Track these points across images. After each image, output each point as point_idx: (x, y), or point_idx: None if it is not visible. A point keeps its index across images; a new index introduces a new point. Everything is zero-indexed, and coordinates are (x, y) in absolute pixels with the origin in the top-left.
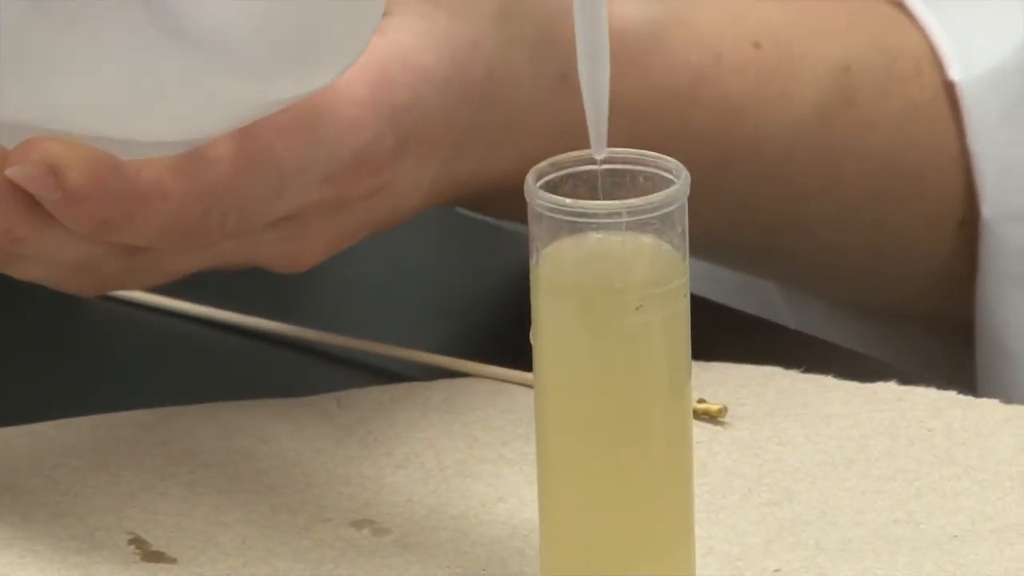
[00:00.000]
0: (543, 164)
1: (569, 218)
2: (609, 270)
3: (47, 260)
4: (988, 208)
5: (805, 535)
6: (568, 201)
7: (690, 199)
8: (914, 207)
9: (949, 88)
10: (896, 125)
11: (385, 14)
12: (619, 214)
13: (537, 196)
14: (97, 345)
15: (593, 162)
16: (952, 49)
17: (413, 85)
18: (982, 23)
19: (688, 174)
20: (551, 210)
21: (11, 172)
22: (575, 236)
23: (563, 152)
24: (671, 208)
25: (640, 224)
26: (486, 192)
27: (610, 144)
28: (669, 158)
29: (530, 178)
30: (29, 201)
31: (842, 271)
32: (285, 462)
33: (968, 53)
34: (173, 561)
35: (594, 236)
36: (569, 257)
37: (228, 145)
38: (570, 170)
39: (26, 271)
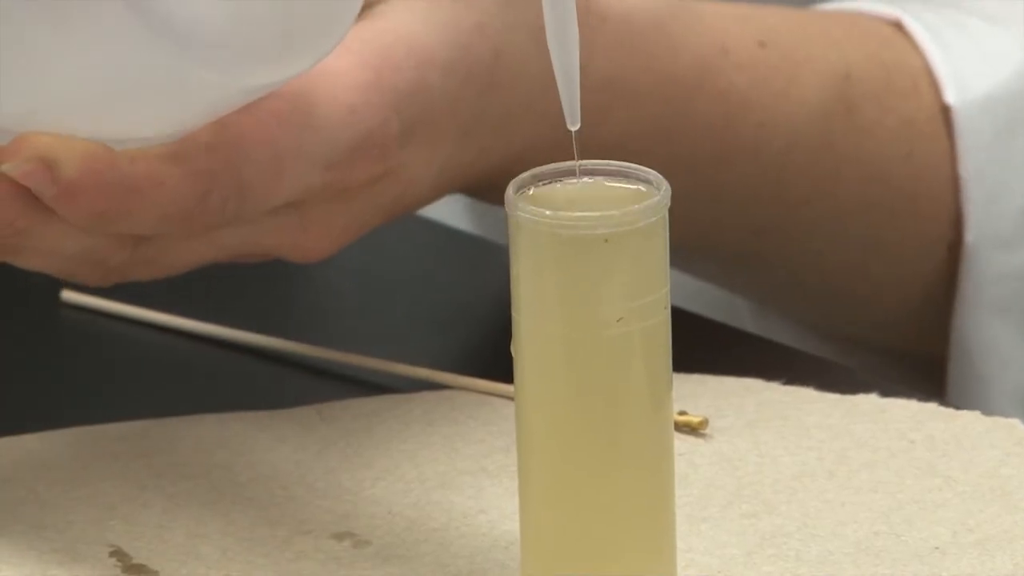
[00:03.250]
0: (524, 175)
1: (550, 229)
2: (589, 282)
3: (50, 251)
4: (972, 233)
5: (786, 547)
6: (548, 212)
7: (686, 198)
8: (906, 224)
9: (945, 111)
10: (893, 138)
11: None
12: (600, 225)
13: (517, 207)
14: (78, 357)
15: (574, 173)
16: (948, 72)
17: (417, 69)
18: (978, 50)
19: (669, 186)
20: (532, 221)
21: (6, 168)
22: (555, 248)
23: (566, 137)
24: (652, 220)
25: (621, 235)
26: (490, 179)
27: (610, 129)
28: (650, 170)
29: (510, 189)
30: (29, 194)
31: (824, 288)
32: (265, 474)
33: (963, 78)
34: (155, 573)
35: (575, 247)
36: (550, 268)
37: (222, 129)
38: (551, 181)
39: (30, 262)
